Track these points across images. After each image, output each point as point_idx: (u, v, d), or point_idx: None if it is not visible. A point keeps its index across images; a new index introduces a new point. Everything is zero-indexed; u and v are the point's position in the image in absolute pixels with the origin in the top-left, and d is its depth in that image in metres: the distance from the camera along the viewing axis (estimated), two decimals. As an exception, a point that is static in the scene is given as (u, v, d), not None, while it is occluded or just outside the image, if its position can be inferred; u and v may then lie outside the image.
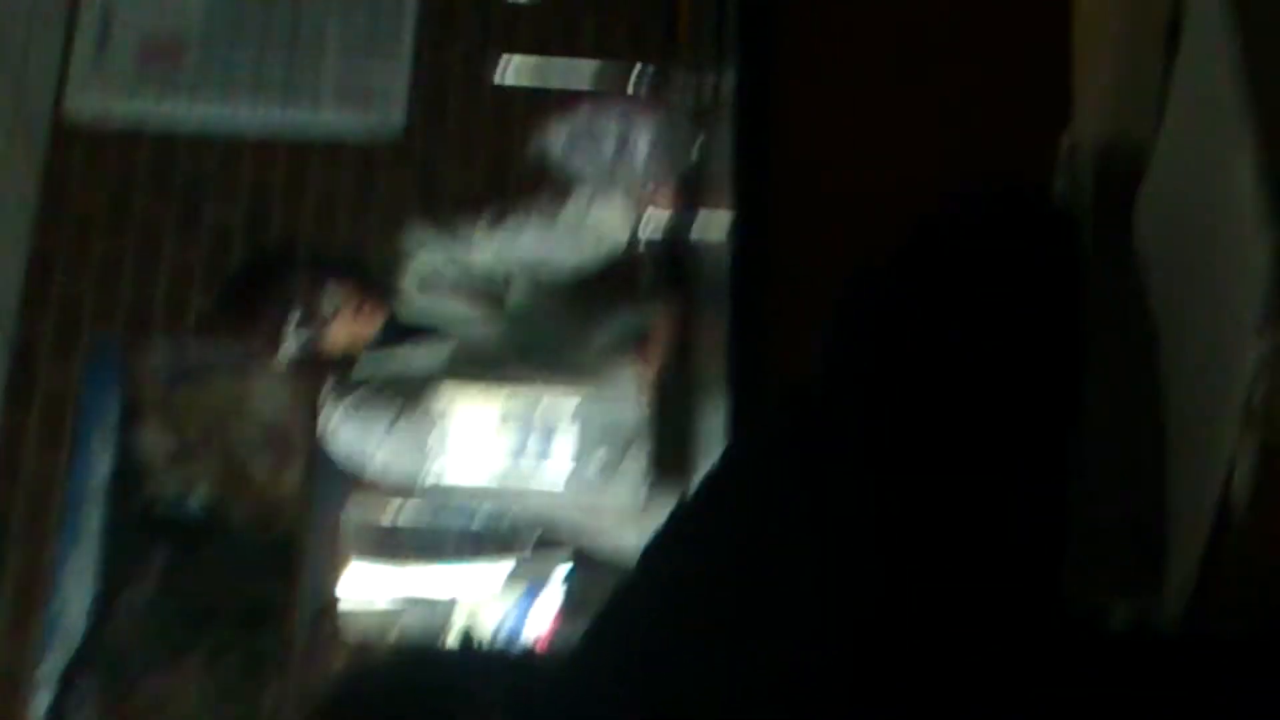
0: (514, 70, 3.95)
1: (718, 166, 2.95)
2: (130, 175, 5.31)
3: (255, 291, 3.94)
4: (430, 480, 3.74)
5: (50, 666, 4.84)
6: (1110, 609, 1.65)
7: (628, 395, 3.63)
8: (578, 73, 4.14)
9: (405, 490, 3.95)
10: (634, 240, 3.76)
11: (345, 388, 3.93)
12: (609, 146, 3.40)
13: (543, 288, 4.05)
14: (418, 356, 3.92)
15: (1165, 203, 1.77)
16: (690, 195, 3.52)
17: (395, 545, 3.71)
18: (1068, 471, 1.67)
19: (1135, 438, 1.71)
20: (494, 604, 3.80)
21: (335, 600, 3.94)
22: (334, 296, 3.84)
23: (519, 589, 3.78)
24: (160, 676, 4.84)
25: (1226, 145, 1.47)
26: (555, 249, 4.01)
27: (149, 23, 5.44)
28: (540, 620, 3.77)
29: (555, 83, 4.45)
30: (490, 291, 4.01)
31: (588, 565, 3.76)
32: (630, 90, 3.59)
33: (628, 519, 3.53)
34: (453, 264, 4.03)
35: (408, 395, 3.82)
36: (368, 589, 3.72)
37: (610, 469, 3.69)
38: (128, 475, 5.01)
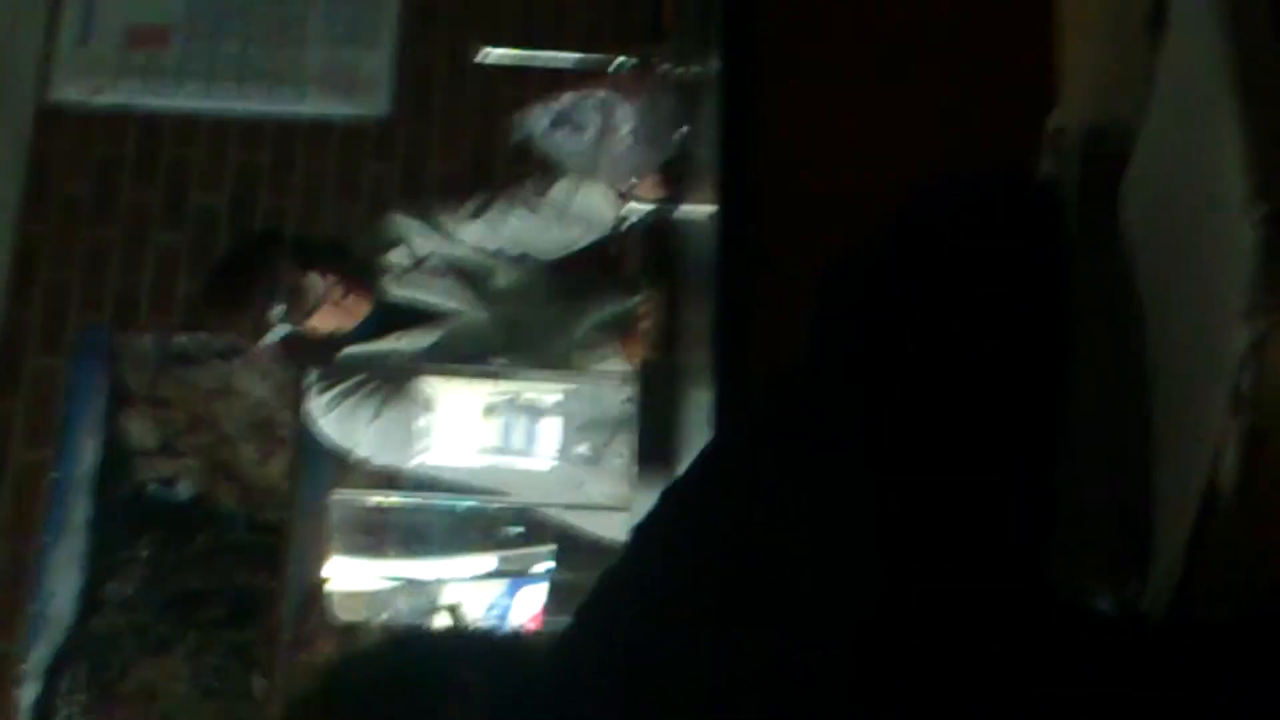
0: (498, 59, 3.94)
1: (704, 154, 2.95)
2: (116, 161, 5.30)
3: (241, 279, 3.93)
4: (416, 467, 3.74)
5: (38, 657, 4.83)
6: (1096, 595, 1.65)
7: (613, 383, 3.63)
8: (562, 63, 4.13)
9: (391, 477, 3.95)
10: (620, 226, 3.75)
11: (331, 375, 3.93)
12: (593, 131, 3.38)
13: (528, 274, 4.05)
14: (403, 343, 3.92)
15: (1151, 186, 1.77)
16: (676, 182, 3.52)
17: (382, 532, 3.70)
18: (1055, 456, 1.67)
19: (1121, 422, 1.71)
20: (481, 590, 3.79)
21: (322, 586, 3.93)
22: (319, 284, 3.84)
23: (505, 576, 3.78)
24: (148, 665, 4.83)
25: (1212, 128, 1.47)
26: (541, 235, 4.01)
27: (134, 9, 5.43)
28: (527, 606, 3.76)
29: (539, 71, 4.44)
30: (476, 277, 4.00)
31: (573, 553, 3.76)
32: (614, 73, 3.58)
33: (614, 507, 3.52)
34: (438, 251, 4.02)
35: (393, 382, 3.82)
36: (355, 575, 3.72)
37: (596, 457, 3.68)
38: (115, 464, 5.00)
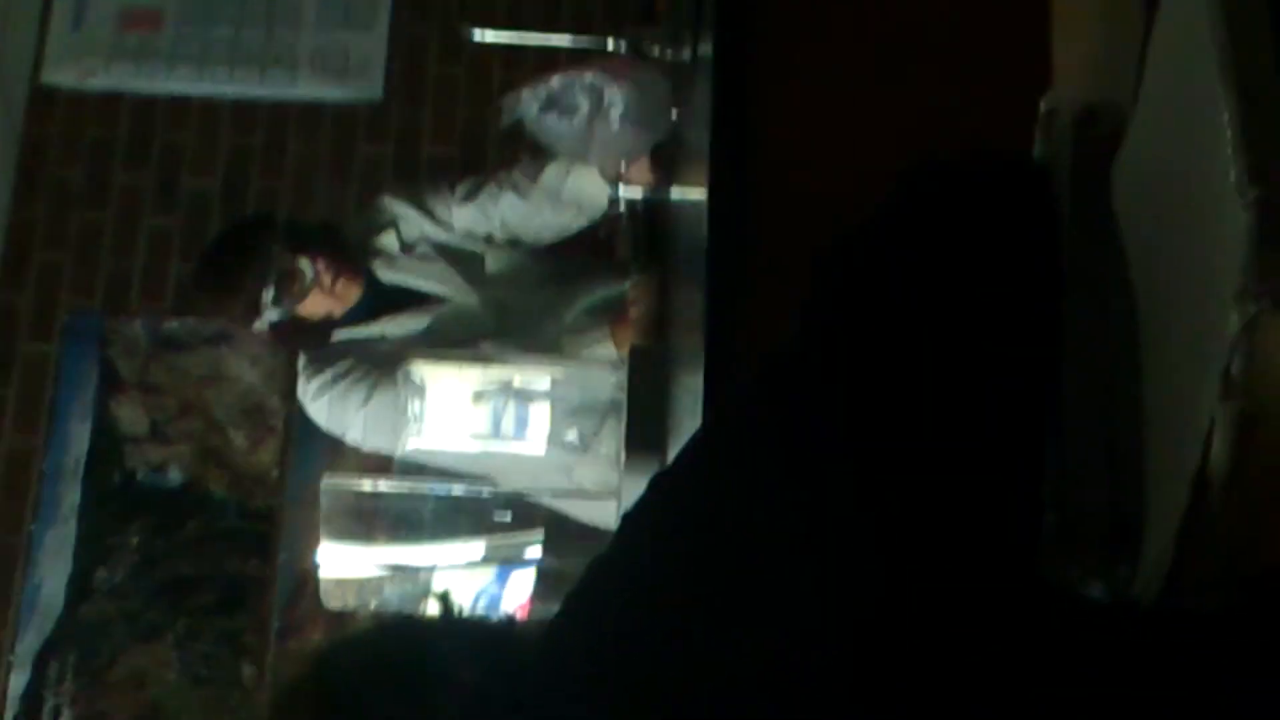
0: (490, 41, 3.94)
1: (695, 138, 2.94)
2: (108, 145, 5.29)
3: (233, 263, 3.93)
4: (407, 453, 3.73)
5: (27, 644, 4.83)
6: (1087, 582, 1.64)
7: (604, 368, 3.62)
8: (554, 45, 4.12)
9: (383, 462, 3.94)
10: (612, 210, 3.74)
11: (322, 360, 3.92)
12: (582, 115, 3.37)
13: (519, 258, 4.04)
14: (394, 328, 3.92)
15: (1143, 170, 1.76)
16: (667, 167, 3.51)
17: (372, 518, 3.70)
18: (1046, 443, 1.66)
19: (1112, 407, 1.70)
20: (471, 577, 3.79)
21: (313, 572, 3.92)
22: (311, 267, 3.83)
23: (496, 561, 3.77)
24: (138, 652, 4.83)
25: (1204, 112, 1.46)
26: (532, 219, 4.00)
27: (127, -8, 5.43)
28: (516, 593, 3.76)
29: (531, 55, 4.43)
30: (466, 262, 4.00)
31: (563, 539, 3.75)
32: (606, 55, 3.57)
33: (604, 492, 3.52)
34: (429, 235, 4.02)
35: (383, 367, 3.81)
36: (345, 562, 3.71)
37: (585, 443, 3.68)
38: (105, 450, 4.99)
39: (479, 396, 3.61)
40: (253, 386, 5.03)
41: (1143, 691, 1.43)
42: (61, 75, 5.34)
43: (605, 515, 3.43)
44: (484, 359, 3.72)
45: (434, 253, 3.99)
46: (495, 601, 3.76)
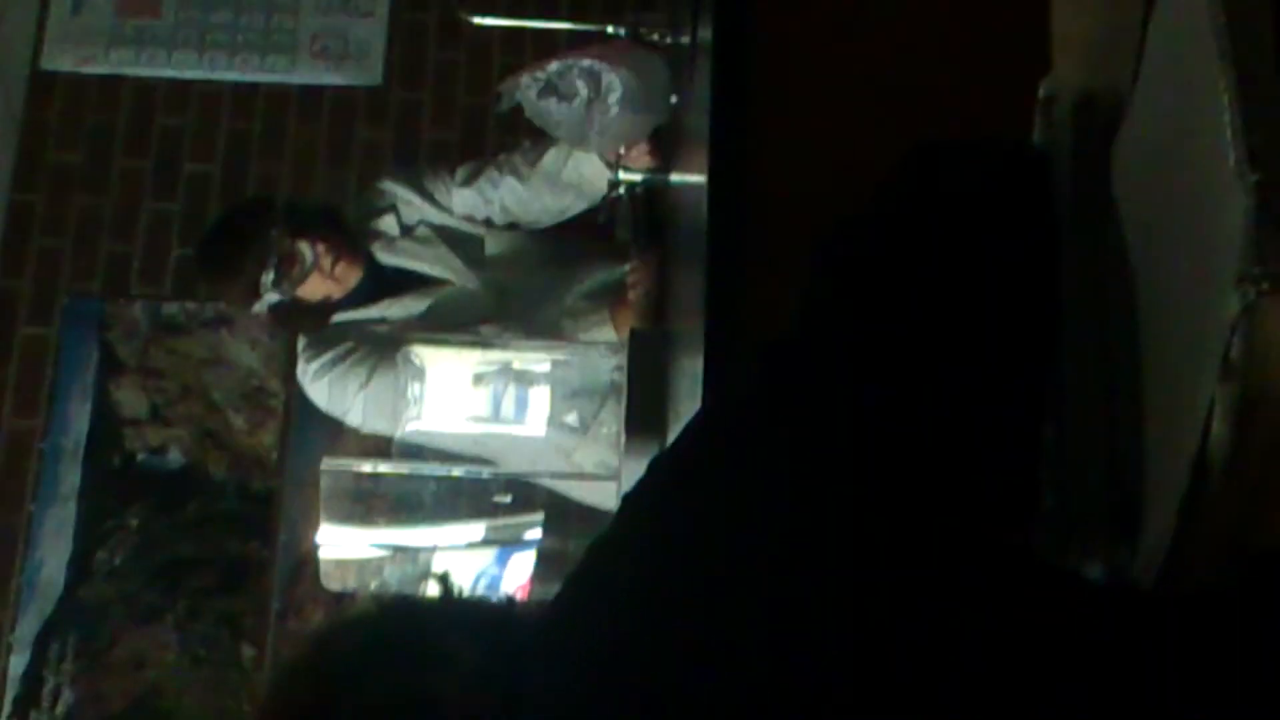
0: (490, 26, 3.94)
1: (694, 122, 2.94)
2: (108, 130, 5.29)
3: (232, 247, 3.93)
4: (406, 435, 3.73)
5: (27, 625, 4.83)
6: (1086, 563, 1.64)
7: (603, 351, 3.63)
8: (554, 30, 4.13)
9: (382, 444, 3.94)
10: (611, 194, 3.74)
11: (321, 343, 3.92)
12: (581, 99, 3.37)
13: (518, 242, 4.04)
14: (393, 311, 3.92)
15: (1142, 153, 1.76)
16: (666, 151, 3.51)
17: (372, 500, 3.70)
18: (1045, 425, 1.67)
19: (1112, 390, 1.70)
20: (470, 558, 3.79)
21: (313, 554, 3.92)
22: (311, 250, 3.83)
23: (496, 543, 3.77)
24: (138, 634, 4.83)
25: (1203, 96, 1.46)
26: (531, 203, 4.00)
27: (126, -24, 5.42)
28: (518, 574, 3.76)
29: (531, 40, 4.44)
30: (466, 245, 4.00)
31: (563, 520, 3.75)
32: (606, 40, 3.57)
33: (604, 474, 3.52)
34: (428, 218, 4.02)
35: (383, 350, 3.81)
36: (344, 544, 3.71)
37: (586, 424, 3.68)
38: (105, 432, 5.00)
39: (479, 379, 3.61)
40: (252, 369, 5.03)
41: (1142, 673, 1.43)
42: (61, 60, 5.34)
43: (605, 497, 3.43)
44: (484, 342, 3.72)
45: (434, 236, 3.99)
46: (495, 583, 3.77)
